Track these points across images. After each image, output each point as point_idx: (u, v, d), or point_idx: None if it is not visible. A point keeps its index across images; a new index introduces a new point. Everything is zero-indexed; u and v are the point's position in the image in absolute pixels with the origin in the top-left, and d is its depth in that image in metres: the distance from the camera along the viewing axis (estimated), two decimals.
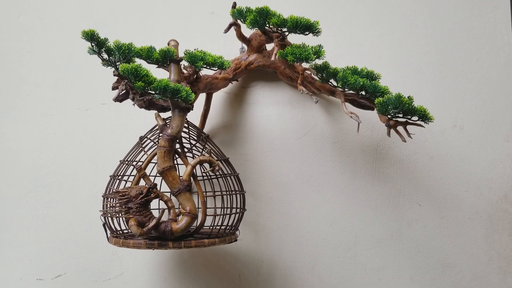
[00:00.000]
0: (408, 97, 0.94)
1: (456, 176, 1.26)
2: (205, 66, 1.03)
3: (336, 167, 1.25)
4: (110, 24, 1.29)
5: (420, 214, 1.25)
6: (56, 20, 1.30)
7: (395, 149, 1.26)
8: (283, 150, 1.25)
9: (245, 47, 1.20)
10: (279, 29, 1.03)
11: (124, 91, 0.99)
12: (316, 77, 1.09)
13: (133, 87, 0.93)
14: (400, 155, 1.26)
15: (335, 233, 1.25)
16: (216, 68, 1.05)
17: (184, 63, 1.04)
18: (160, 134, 0.97)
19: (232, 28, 1.14)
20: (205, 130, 1.24)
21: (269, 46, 1.19)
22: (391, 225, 1.25)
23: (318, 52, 1.02)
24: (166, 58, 1.01)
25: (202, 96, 1.18)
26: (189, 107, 0.98)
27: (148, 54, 0.99)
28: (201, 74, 1.10)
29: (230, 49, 1.24)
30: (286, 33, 1.05)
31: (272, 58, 1.05)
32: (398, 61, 1.28)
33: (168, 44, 1.06)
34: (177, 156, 1.00)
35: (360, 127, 1.11)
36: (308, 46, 1.03)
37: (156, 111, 1.02)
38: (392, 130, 0.97)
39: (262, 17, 1.02)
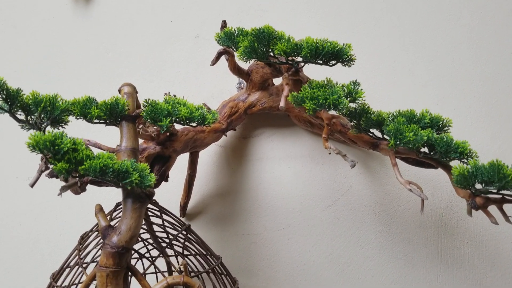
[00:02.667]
0: None
1: None
2: (178, 122, 0.68)
3: (383, 249, 0.93)
4: (56, 61, 0.99)
5: None
6: None
7: (468, 219, 0.93)
8: (305, 226, 0.94)
9: (244, 82, 0.86)
10: (291, 58, 0.67)
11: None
12: (348, 125, 0.77)
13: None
14: (477, 228, 0.93)
15: None
16: (195, 124, 0.69)
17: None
18: (102, 243, 0.59)
19: (224, 58, 0.83)
20: (191, 203, 0.89)
21: (277, 80, 0.89)
22: None
23: (353, 92, 0.66)
24: (113, 115, 0.66)
25: (184, 156, 0.86)
26: (150, 194, 0.62)
27: (82, 111, 0.64)
28: (177, 130, 0.76)
29: (223, 84, 0.97)
30: (301, 64, 0.72)
31: (281, 104, 0.69)
32: (457, 98, 0.94)
33: (120, 91, 0.70)
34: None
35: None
36: (337, 84, 0.66)
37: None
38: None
39: (262, 42, 0.67)
